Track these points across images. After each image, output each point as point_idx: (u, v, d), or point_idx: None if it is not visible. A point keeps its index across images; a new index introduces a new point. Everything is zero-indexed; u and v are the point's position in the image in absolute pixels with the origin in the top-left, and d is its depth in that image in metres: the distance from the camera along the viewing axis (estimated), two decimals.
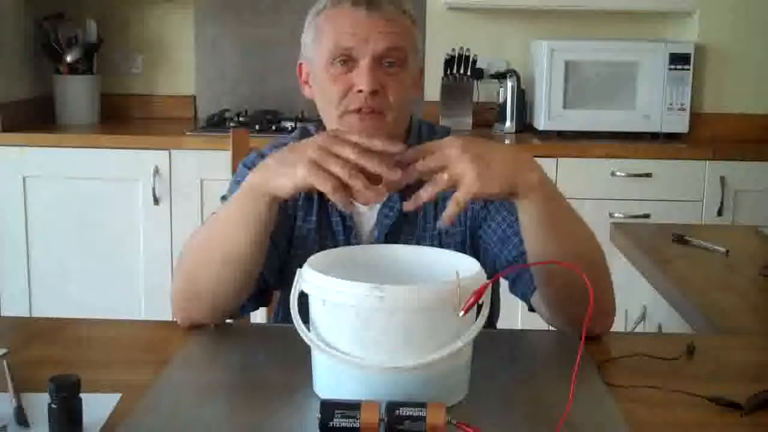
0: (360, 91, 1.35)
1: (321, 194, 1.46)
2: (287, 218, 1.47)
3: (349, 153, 1.15)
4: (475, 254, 1.37)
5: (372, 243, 1.45)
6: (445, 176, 1.14)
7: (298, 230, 1.48)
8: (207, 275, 1.30)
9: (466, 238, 1.46)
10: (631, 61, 3.29)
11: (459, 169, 1.14)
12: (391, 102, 1.37)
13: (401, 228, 1.47)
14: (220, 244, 1.28)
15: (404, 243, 1.42)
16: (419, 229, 1.47)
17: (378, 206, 1.47)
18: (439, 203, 1.45)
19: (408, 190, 1.46)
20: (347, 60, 1.36)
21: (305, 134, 1.52)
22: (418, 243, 1.44)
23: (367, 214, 1.48)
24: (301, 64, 1.47)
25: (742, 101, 3.46)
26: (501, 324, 1.62)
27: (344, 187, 1.15)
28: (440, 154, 1.16)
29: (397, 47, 1.37)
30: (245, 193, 1.24)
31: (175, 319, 1.36)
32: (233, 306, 1.36)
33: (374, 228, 1.47)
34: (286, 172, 1.18)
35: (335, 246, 1.42)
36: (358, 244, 1.45)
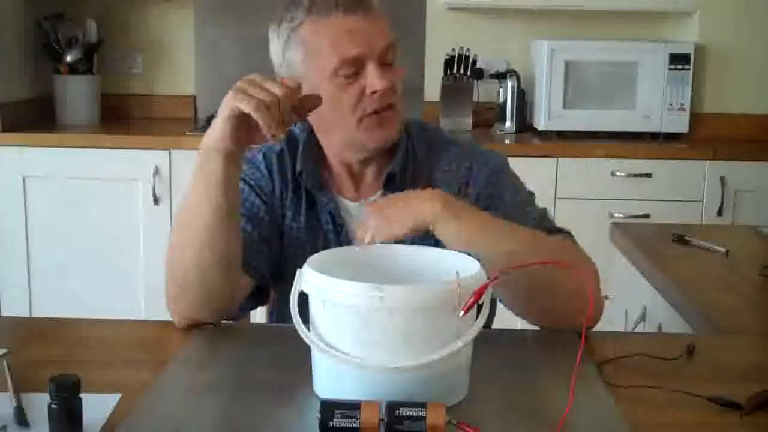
0: (374, 92, 1.37)
1: (309, 193, 1.47)
2: (275, 216, 1.48)
3: (270, 86, 1.20)
4: None
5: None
6: (358, 233, 1.28)
7: (288, 230, 1.49)
8: (186, 260, 1.30)
9: None
10: (631, 61, 3.29)
11: (364, 227, 1.28)
12: (398, 96, 1.41)
13: None
14: (190, 219, 1.30)
15: None
16: None
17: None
18: None
19: (400, 190, 1.47)
20: (355, 67, 1.37)
21: (290, 136, 1.52)
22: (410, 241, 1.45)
23: (357, 211, 1.49)
24: None
25: (742, 101, 3.46)
26: (501, 324, 1.62)
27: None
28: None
29: (393, 43, 1.40)
30: (199, 157, 1.27)
31: (172, 320, 1.36)
32: (226, 300, 1.35)
33: None
34: (220, 111, 1.23)
35: (326, 245, 1.44)
36: (349, 241, 1.46)
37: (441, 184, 1.45)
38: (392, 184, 1.46)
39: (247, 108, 1.19)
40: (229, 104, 1.21)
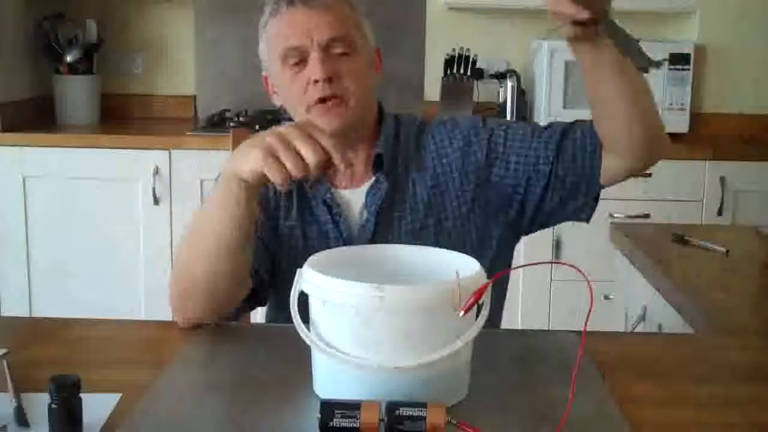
0: (316, 81, 1.40)
1: (300, 187, 1.48)
2: (270, 218, 1.49)
3: (304, 150, 1.17)
4: (487, 207, 1.46)
5: (363, 224, 1.46)
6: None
7: (282, 230, 1.49)
8: (203, 268, 1.30)
9: (467, 201, 1.49)
10: None
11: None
12: (348, 87, 1.42)
13: (392, 205, 1.48)
14: (210, 233, 1.29)
15: (397, 218, 1.46)
16: (410, 202, 1.48)
17: (365, 188, 1.49)
18: (423, 172, 1.49)
19: (392, 170, 1.47)
20: (299, 58, 1.41)
21: None
22: (411, 216, 1.47)
23: (353, 198, 1.49)
24: (266, 76, 1.54)
25: (742, 101, 3.46)
26: (501, 324, 1.62)
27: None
28: None
29: (341, 35, 1.42)
30: (223, 178, 1.27)
31: (174, 320, 1.36)
32: (230, 302, 1.36)
33: (363, 209, 1.48)
34: (247, 154, 1.21)
35: (324, 238, 1.44)
36: (347, 228, 1.46)
37: (431, 157, 1.50)
38: (381, 166, 1.48)
39: (274, 179, 1.18)
40: (257, 165, 1.18)
